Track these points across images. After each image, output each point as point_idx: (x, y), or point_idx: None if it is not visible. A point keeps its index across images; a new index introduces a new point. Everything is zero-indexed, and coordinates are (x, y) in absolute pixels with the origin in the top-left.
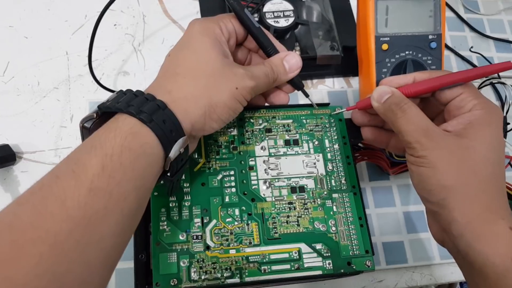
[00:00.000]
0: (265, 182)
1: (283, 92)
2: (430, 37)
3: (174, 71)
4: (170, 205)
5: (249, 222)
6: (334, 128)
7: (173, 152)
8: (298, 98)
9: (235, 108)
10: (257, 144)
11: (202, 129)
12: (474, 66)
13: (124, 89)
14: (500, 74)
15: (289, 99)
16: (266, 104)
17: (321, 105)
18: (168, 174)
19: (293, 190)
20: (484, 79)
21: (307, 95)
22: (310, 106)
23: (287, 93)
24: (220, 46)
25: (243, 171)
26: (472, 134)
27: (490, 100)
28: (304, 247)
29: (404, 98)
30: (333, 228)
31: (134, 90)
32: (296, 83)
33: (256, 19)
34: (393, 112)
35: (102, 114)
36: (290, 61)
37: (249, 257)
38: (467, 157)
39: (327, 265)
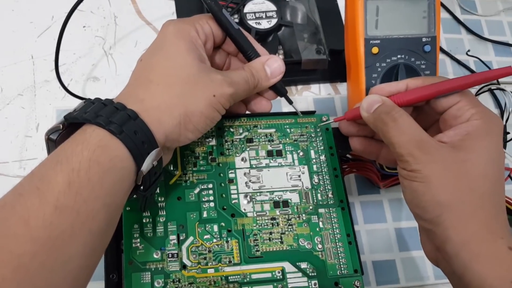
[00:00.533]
0: (246, 196)
1: (265, 99)
2: (424, 39)
3: (147, 78)
4: (144, 220)
5: (229, 239)
6: (320, 138)
7: (146, 165)
8: (282, 105)
9: (213, 117)
10: (237, 155)
11: (177, 140)
12: (471, 71)
13: (93, 97)
14: (500, 80)
15: (272, 107)
16: (247, 112)
17: (306, 113)
18: (141, 188)
19: (276, 204)
20: (483, 85)
21: (290, 102)
22: (294, 114)
23: (269, 100)
24: (196, 50)
25: (222, 184)
26: (469, 146)
27: (489, 109)
28: (288, 266)
29: (396, 107)
30: (319, 246)
31: (105, 97)
32: (279, 89)
33: (236, 20)
34: (384, 122)
35: (69, 125)
36: (272, 65)
37: (229, 277)
38: (464, 171)
39: (313, 286)
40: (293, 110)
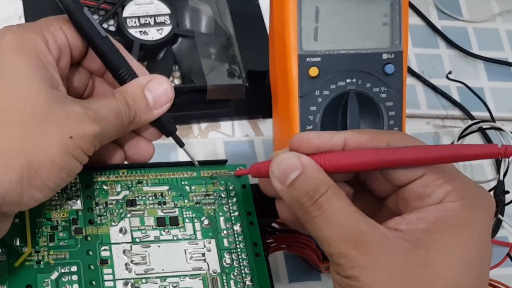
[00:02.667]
0: (126, 284)
1: (144, 140)
2: (385, 56)
3: None
4: None
5: None
6: (234, 200)
7: None
8: (178, 152)
9: (70, 168)
10: (113, 224)
11: (18, 202)
12: (452, 101)
13: None
14: (495, 116)
15: (154, 151)
16: (126, 161)
17: (214, 164)
18: None
19: None
20: (470, 122)
21: (181, 145)
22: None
23: (150, 141)
24: (45, 70)
25: (92, 267)
26: (437, 241)
27: (474, 183)
28: None
29: (322, 182)
30: None
31: None
32: (165, 126)
33: (112, 28)
34: (304, 209)
35: None
36: (155, 89)
37: None
38: (423, 279)
39: None
40: (197, 158)
